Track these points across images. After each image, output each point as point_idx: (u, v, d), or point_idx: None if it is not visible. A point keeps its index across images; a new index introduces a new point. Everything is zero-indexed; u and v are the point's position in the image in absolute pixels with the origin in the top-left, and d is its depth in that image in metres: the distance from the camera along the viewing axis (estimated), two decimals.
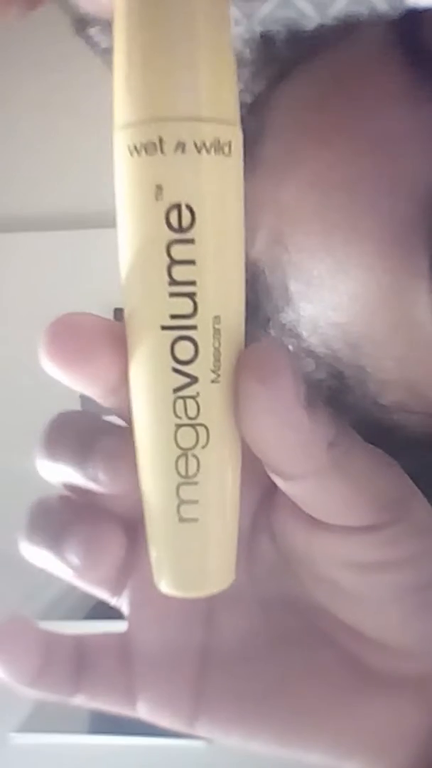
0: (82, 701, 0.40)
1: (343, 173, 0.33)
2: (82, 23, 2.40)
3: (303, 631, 0.37)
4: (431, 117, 0.32)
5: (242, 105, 0.31)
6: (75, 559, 0.35)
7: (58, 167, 2.94)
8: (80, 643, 0.40)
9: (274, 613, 0.37)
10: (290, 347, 0.36)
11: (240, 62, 0.38)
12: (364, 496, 0.32)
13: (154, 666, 0.38)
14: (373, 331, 0.33)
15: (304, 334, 0.36)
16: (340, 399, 0.35)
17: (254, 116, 0.37)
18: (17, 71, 2.87)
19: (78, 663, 0.39)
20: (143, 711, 0.38)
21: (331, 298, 0.34)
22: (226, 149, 0.27)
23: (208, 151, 0.27)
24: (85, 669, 0.39)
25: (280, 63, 0.39)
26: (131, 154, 0.28)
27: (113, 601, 0.41)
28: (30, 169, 2.96)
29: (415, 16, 0.34)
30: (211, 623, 0.38)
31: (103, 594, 0.42)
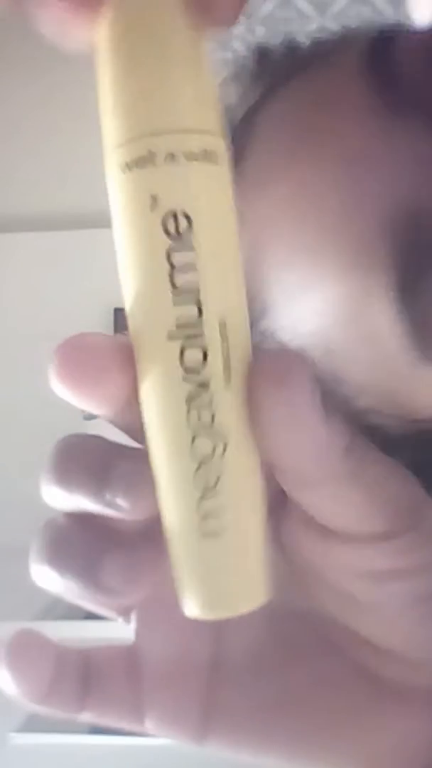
0: (89, 718, 0.38)
1: (314, 190, 0.34)
2: None
3: (313, 643, 0.37)
4: (397, 139, 0.33)
5: (233, 120, 0.35)
6: (112, 585, 0.32)
7: (58, 167, 2.94)
8: (87, 658, 0.40)
9: (283, 625, 0.37)
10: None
11: (234, 78, 0.41)
12: (378, 503, 0.31)
13: (163, 681, 0.37)
14: (341, 341, 0.36)
15: (285, 340, 0.38)
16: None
17: (242, 131, 0.38)
18: (17, 71, 2.87)
19: (85, 679, 0.38)
20: (151, 726, 0.37)
21: (302, 309, 0.36)
22: (215, 158, 0.28)
23: (197, 160, 0.28)
24: (93, 685, 0.38)
25: (268, 81, 0.40)
26: (123, 171, 0.30)
27: (120, 619, 0.40)
28: (30, 169, 2.96)
29: (385, 41, 0.36)
30: (219, 636, 0.37)
31: (110, 614, 0.40)
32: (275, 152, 0.36)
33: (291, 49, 0.42)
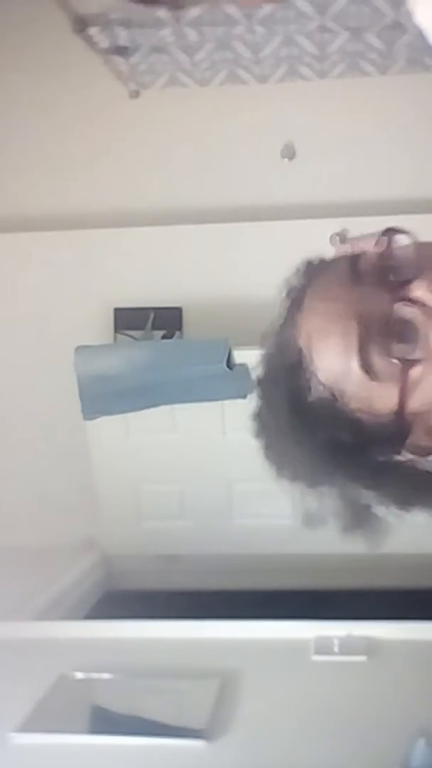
0: None
1: (330, 320, 0.80)
2: (82, 23, 2.40)
3: None
4: (360, 299, 0.78)
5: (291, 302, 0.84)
6: None
7: (58, 167, 2.94)
8: None
9: None
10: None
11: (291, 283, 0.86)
12: None
13: None
14: (342, 380, 0.79)
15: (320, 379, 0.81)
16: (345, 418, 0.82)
17: (297, 301, 0.83)
18: (17, 71, 2.87)
19: None
20: None
21: (326, 371, 0.80)
22: None
23: None
24: None
25: (303, 284, 0.85)
26: None
27: None
28: (30, 169, 2.96)
29: (357, 258, 0.81)
30: None
31: None
32: (312, 309, 0.82)
33: (311, 264, 0.86)
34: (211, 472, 2.82)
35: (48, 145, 2.91)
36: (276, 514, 2.87)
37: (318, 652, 2.05)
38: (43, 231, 2.92)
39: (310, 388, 0.80)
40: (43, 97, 2.87)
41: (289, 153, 2.83)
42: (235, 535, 2.85)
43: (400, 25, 2.40)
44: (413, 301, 0.75)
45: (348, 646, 2.06)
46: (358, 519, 0.88)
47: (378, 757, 1.64)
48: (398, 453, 0.82)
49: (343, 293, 0.78)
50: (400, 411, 0.78)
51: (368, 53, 2.57)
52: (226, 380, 2.66)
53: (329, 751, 1.67)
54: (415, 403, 0.78)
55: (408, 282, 0.76)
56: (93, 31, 2.42)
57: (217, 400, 2.71)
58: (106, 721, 1.97)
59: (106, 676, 2.04)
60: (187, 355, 2.73)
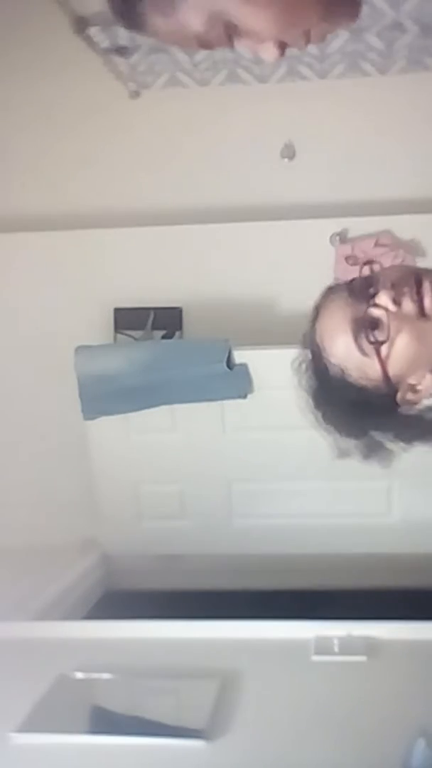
0: None
1: (334, 324, 1.23)
2: (82, 23, 2.40)
3: None
4: (352, 307, 1.20)
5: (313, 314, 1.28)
6: None
7: (58, 167, 2.94)
8: None
9: None
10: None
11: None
12: None
13: None
14: (345, 363, 1.21)
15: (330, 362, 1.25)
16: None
17: (315, 314, 1.28)
18: (17, 71, 2.87)
19: None
20: None
21: (335, 356, 1.23)
22: None
23: None
24: None
25: (319, 303, 1.27)
26: None
27: None
28: (30, 169, 2.96)
29: (351, 282, 1.23)
30: None
31: None
32: (326, 313, 1.26)
33: (327, 288, 1.28)
34: (211, 472, 2.82)
35: (48, 145, 2.91)
36: (276, 514, 2.88)
37: (318, 652, 2.05)
38: (43, 231, 2.92)
39: (327, 369, 1.23)
40: (43, 97, 2.87)
41: (289, 153, 2.83)
42: (235, 535, 2.85)
43: (400, 25, 2.40)
44: (380, 306, 1.18)
45: (348, 646, 2.06)
46: (374, 451, 1.28)
47: (378, 757, 1.64)
48: (394, 407, 1.23)
49: (341, 306, 1.21)
50: (386, 376, 1.19)
51: (368, 53, 2.57)
52: (226, 380, 2.66)
53: (329, 752, 1.67)
54: (393, 370, 1.19)
55: (377, 293, 1.18)
56: (93, 31, 2.42)
57: (217, 400, 2.71)
58: (106, 721, 1.97)
59: (106, 676, 2.04)
60: (187, 355, 2.73)
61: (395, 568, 2.75)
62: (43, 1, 2.34)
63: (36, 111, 2.90)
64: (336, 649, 2.05)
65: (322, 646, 2.07)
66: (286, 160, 2.83)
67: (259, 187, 2.85)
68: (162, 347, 2.82)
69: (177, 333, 2.87)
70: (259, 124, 2.82)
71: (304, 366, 1.27)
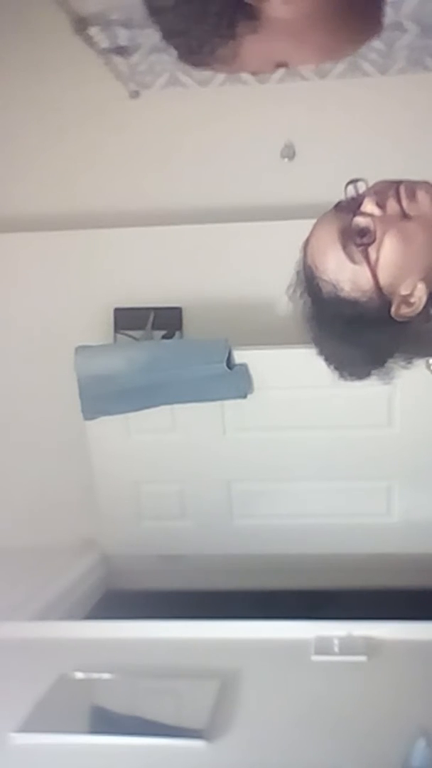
0: None
1: (322, 241, 1.28)
2: (82, 23, 2.40)
3: None
4: (339, 220, 1.26)
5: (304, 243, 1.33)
6: None
7: (58, 167, 2.94)
8: None
9: None
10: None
11: None
12: None
13: None
14: (337, 276, 1.23)
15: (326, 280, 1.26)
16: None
17: (307, 241, 1.33)
18: (17, 71, 2.87)
19: None
20: None
21: (327, 271, 1.24)
22: None
23: None
24: None
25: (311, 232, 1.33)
26: None
27: None
28: (30, 169, 2.96)
29: (338, 203, 1.29)
30: None
31: None
32: (313, 235, 1.31)
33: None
34: (211, 472, 2.82)
35: (48, 145, 2.91)
36: (276, 514, 2.88)
37: (318, 652, 2.05)
38: (43, 231, 2.92)
39: (321, 289, 1.24)
40: (43, 97, 2.87)
41: (289, 153, 2.83)
42: (235, 535, 2.85)
43: (400, 25, 2.40)
44: (365, 213, 1.21)
45: (348, 646, 2.06)
46: (376, 365, 1.30)
47: (378, 757, 1.64)
48: (390, 322, 1.23)
49: (328, 221, 1.27)
50: (377, 286, 1.21)
51: (368, 53, 2.57)
52: (226, 380, 2.66)
53: (329, 751, 1.67)
54: (384, 278, 1.21)
55: (362, 203, 1.22)
56: (93, 31, 2.42)
57: (217, 400, 2.71)
58: (106, 721, 1.97)
59: (106, 676, 2.04)
60: (187, 355, 2.73)
61: (395, 568, 2.75)
62: (43, 1, 2.34)
63: (36, 111, 2.90)
64: (336, 649, 2.05)
65: (322, 646, 2.07)
66: (286, 160, 2.83)
67: (259, 187, 2.85)
68: (162, 347, 2.82)
69: (177, 333, 2.87)
70: (259, 124, 2.82)
71: (298, 292, 1.28)
